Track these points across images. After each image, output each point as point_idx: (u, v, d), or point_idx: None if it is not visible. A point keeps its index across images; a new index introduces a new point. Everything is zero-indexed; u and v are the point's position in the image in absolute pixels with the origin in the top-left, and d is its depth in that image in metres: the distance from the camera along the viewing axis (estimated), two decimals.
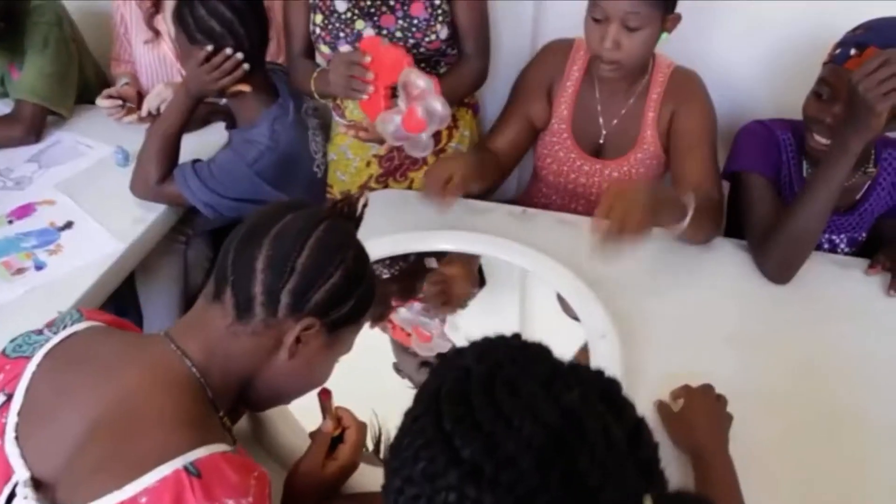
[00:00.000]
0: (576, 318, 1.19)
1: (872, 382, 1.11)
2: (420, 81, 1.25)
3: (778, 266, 1.29)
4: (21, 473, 0.68)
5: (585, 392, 0.52)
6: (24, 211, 1.49)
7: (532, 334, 0.60)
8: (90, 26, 1.97)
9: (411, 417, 0.54)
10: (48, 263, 1.36)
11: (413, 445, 0.51)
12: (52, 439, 0.69)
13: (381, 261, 1.32)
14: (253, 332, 0.76)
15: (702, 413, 1.00)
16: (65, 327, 0.78)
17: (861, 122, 1.09)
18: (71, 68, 1.80)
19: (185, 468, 0.65)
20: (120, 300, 1.92)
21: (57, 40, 1.73)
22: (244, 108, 1.50)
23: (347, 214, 0.84)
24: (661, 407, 1.04)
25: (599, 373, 0.57)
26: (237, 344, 0.77)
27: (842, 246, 1.42)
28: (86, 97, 1.83)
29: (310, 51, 1.57)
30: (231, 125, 1.57)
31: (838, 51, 1.19)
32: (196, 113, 1.55)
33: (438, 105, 1.25)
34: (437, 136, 1.60)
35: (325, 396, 0.89)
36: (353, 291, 0.79)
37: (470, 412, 0.50)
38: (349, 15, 1.45)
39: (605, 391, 0.54)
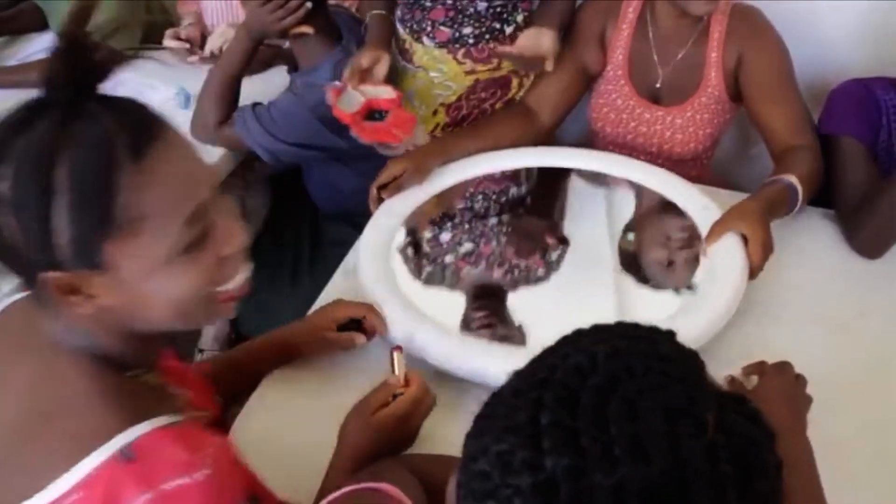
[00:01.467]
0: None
1: None
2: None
3: (870, 240, 1.19)
4: None
5: (716, 444, 0.41)
6: None
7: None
8: None
9: (513, 387, 0.47)
10: None
11: (502, 420, 0.44)
12: None
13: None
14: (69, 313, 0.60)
15: (778, 393, 0.91)
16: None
17: None
18: (137, 9, 1.79)
19: (121, 452, 0.56)
20: None
21: None
22: (306, 51, 1.46)
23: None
24: (734, 383, 0.97)
25: (753, 416, 0.45)
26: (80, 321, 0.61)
27: None
28: (151, 38, 1.82)
29: None
30: (293, 69, 1.53)
31: None
32: (259, 56, 1.52)
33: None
34: (506, 86, 1.56)
35: (396, 350, 0.87)
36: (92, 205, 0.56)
37: (573, 417, 0.42)
38: None
39: (743, 449, 0.42)
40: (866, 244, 1.19)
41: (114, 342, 0.64)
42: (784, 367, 0.96)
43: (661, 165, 1.39)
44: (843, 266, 1.19)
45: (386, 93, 1.33)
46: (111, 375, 0.62)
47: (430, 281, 1.17)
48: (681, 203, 1.23)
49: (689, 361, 0.47)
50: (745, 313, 1.04)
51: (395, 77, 1.64)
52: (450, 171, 1.31)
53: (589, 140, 1.55)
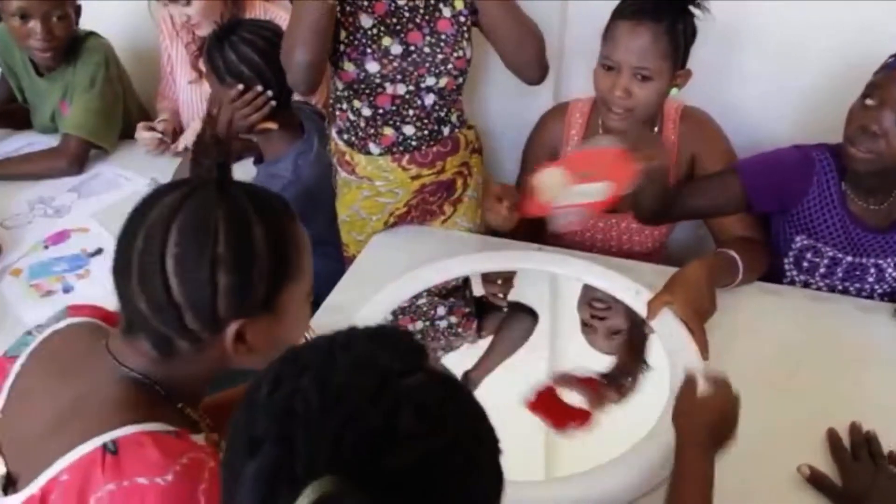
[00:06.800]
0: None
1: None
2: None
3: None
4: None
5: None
6: (60, 237, 1.57)
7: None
8: (138, 64, 2.09)
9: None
10: (75, 287, 1.42)
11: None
12: (20, 436, 0.72)
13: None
14: (186, 359, 0.72)
15: (710, 410, 0.89)
16: (48, 326, 0.80)
17: None
18: (115, 106, 1.90)
19: (105, 445, 0.65)
20: None
21: (103, 80, 1.84)
22: (270, 144, 1.56)
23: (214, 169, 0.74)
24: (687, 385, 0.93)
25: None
26: (179, 364, 0.73)
27: (889, 270, 1.34)
28: (128, 132, 1.93)
29: None
30: (258, 160, 1.62)
31: (892, 59, 1.18)
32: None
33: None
34: (451, 187, 1.55)
35: None
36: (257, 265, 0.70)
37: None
38: (375, 31, 1.36)
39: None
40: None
41: (197, 383, 0.77)
42: (728, 392, 0.91)
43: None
44: (772, 334, 1.25)
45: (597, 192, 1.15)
46: (154, 399, 0.72)
47: None
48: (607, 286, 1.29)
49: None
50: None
51: (335, 191, 1.58)
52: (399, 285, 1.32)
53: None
